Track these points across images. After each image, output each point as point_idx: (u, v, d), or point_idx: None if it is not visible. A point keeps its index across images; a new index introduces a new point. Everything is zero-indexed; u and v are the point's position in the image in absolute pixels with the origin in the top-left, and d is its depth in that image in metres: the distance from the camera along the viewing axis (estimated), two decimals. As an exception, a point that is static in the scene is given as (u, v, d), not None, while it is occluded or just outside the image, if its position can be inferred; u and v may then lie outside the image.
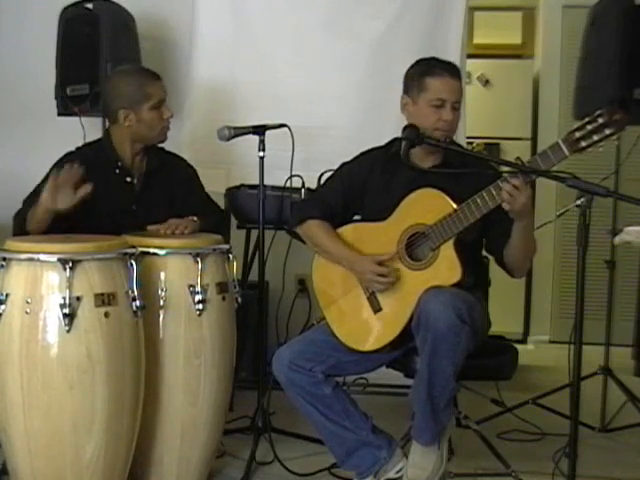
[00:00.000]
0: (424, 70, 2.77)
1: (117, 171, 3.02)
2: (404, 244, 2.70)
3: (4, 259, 2.45)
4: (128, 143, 3.02)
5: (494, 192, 2.53)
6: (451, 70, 2.77)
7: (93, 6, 3.73)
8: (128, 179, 3.04)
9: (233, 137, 3.22)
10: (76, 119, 3.71)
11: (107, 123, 3.14)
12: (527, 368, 4.46)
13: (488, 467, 3.01)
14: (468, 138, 4.11)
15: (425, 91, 2.74)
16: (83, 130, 3.68)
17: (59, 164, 3.00)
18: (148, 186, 3.05)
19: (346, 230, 2.84)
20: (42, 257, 2.42)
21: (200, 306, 2.74)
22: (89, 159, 3.01)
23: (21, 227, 2.82)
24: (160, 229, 2.91)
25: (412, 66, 2.82)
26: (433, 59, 2.80)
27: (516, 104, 5.49)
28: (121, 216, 2.97)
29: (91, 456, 2.45)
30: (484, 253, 2.87)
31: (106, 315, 2.45)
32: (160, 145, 3.13)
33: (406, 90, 2.82)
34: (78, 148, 3.10)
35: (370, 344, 2.72)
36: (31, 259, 2.43)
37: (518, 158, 2.52)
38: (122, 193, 3.01)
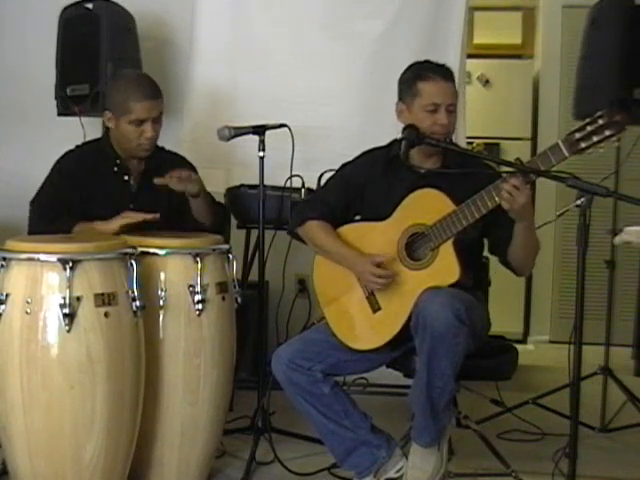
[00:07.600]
0: (416, 75, 2.75)
1: (115, 169, 3.02)
2: (404, 244, 2.70)
3: (4, 259, 2.45)
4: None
5: (493, 192, 2.53)
6: (444, 73, 2.74)
7: (93, 6, 3.72)
8: (126, 177, 3.04)
9: (233, 137, 3.22)
10: (76, 119, 3.70)
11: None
12: (527, 368, 4.46)
13: (488, 467, 3.01)
14: (468, 138, 4.10)
15: (418, 96, 2.72)
16: (83, 130, 3.67)
17: (60, 163, 3.01)
18: (145, 185, 3.04)
19: (346, 230, 2.84)
20: (42, 257, 2.42)
21: (200, 306, 2.74)
22: (89, 157, 3.03)
23: (55, 231, 2.82)
24: (166, 180, 2.91)
25: (405, 71, 2.81)
26: (426, 62, 2.78)
27: (516, 104, 5.48)
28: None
29: (91, 456, 2.45)
30: (484, 253, 2.87)
31: (106, 315, 2.45)
32: (160, 145, 3.12)
33: (400, 96, 2.81)
34: (78, 146, 3.11)
35: (369, 343, 2.72)
36: (31, 259, 2.43)
37: (518, 159, 2.52)
38: (120, 192, 3.01)
